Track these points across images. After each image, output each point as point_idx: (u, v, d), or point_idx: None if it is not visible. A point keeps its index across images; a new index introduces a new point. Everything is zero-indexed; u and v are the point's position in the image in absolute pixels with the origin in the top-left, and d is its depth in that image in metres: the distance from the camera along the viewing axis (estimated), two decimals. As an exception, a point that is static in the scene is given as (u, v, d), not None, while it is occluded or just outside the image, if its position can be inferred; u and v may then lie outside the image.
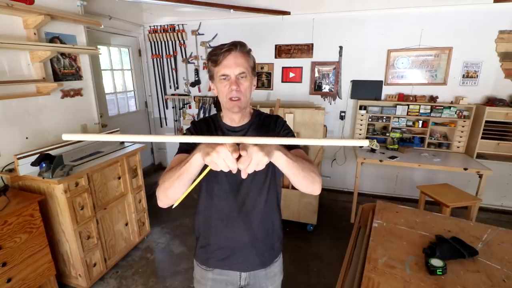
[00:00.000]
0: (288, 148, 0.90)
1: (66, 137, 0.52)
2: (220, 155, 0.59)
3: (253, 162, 0.60)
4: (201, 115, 4.02)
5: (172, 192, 0.77)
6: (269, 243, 1.06)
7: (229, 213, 0.99)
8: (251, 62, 0.92)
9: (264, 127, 1.01)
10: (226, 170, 0.61)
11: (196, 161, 0.68)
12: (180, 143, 0.94)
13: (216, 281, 1.05)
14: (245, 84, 0.89)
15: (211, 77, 0.94)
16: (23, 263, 1.72)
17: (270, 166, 0.68)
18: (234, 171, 0.62)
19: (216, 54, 0.88)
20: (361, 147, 3.22)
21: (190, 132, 1.01)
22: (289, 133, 1.01)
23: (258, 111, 1.06)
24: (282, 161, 0.70)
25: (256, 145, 0.60)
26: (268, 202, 1.01)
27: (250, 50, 0.92)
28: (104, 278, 2.25)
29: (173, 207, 0.77)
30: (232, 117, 0.98)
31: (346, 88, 3.44)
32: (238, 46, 0.87)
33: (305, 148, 3.24)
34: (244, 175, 0.63)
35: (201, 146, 0.65)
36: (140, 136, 0.60)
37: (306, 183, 0.79)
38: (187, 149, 0.90)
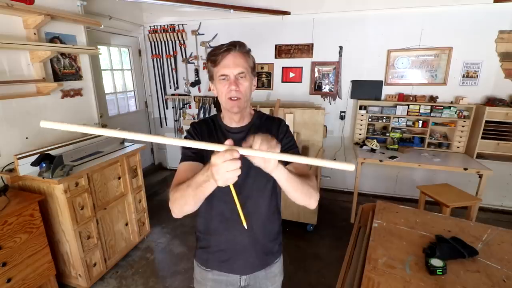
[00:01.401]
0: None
1: (44, 124, 0.49)
2: (221, 171, 0.59)
3: (264, 147, 0.59)
4: (201, 115, 4.02)
5: (188, 208, 0.80)
6: (270, 245, 1.05)
7: (230, 215, 0.98)
8: (251, 62, 0.91)
9: (265, 129, 0.99)
10: (239, 172, 0.60)
11: (211, 187, 0.69)
12: (183, 150, 0.92)
13: (216, 281, 1.05)
14: (244, 84, 0.88)
15: (211, 78, 0.94)
16: (23, 263, 1.72)
17: None
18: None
19: (215, 55, 0.87)
20: (361, 146, 3.22)
21: (190, 135, 0.99)
22: (291, 141, 0.99)
23: (259, 112, 1.05)
24: (283, 174, 0.70)
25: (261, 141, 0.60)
26: (269, 205, 1.01)
27: (249, 50, 0.91)
28: (104, 278, 2.25)
29: (246, 227, 0.75)
30: (232, 118, 0.97)
31: (346, 88, 3.44)
32: (237, 46, 0.87)
33: (305, 148, 3.24)
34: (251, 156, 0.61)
35: (211, 174, 0.63)
36: (121, 133, 0.54)
37: (303, 197, 0.80)
38: (191, 156, 0.90)
